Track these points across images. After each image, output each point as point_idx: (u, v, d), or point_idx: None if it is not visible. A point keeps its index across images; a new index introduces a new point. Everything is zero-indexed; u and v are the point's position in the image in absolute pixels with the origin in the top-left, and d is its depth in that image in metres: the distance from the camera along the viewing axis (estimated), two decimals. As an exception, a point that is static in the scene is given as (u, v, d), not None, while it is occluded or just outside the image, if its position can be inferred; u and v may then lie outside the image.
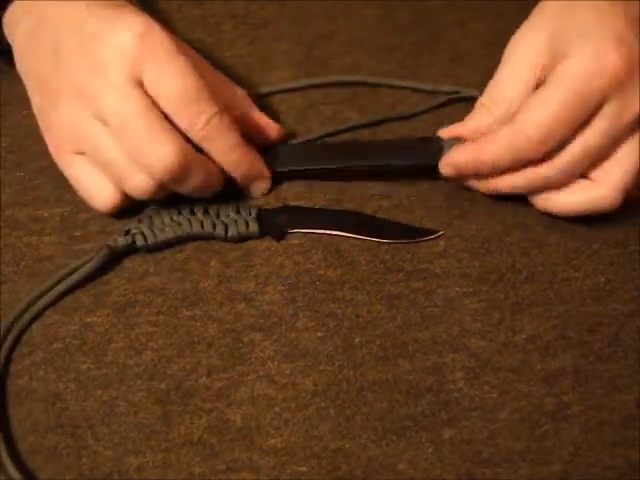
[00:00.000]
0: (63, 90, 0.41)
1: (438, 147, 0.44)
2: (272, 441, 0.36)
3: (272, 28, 0.54)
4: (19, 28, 0.44)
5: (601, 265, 0.42)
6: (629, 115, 0.39)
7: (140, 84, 0.39)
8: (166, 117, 0.40)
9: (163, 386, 0.38)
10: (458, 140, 0.43)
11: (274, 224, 0.43)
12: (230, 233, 0.42)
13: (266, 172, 0.44)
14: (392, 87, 0.50)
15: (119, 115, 0.39)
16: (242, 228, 0.42)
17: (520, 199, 0.44)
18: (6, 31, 0.45)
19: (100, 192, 0.42)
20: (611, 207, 0.41)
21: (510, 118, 0.41)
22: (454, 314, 0.40)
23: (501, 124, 0.41)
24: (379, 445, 0.36)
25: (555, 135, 0.39)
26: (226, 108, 0.42)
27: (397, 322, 0.40)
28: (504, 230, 0.43)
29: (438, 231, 0.43)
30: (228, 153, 0.42)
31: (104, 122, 0.40)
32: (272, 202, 0.45)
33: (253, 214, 0.43)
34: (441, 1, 0.55)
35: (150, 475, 0.35)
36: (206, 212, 0.43)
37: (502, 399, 0.37)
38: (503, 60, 0.43)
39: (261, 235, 0.43)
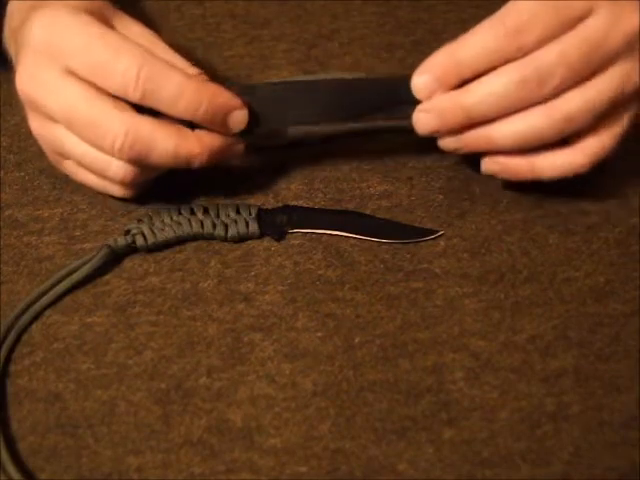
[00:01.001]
0: (24, 102, 0.41)
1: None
2: (272, 441, 0.36)
3: (272, 28, 0.54)
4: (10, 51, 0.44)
5: (601, 265, 0.42)
6: (616, 31, 0.38)
7: (72, 73, 0.39)
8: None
9: (163, 386, 0.38)
10: None
11: (274, 224, 0.43)
12: (230, 233, 0.42)
13: (235, 101, 0.40)
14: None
15: (62, 112, 0.39)
16: (242, 228, 0.42)
17: (520, 199, 0.44)
18: (7, 48, 0.45)
19: (106, 188, 0.43)
20: (579, 173, 0.41)
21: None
22: (454, 314, 0.40)
23: None
24: (379, 445, 0.36)
25: (535, 28, 0.37)
26: None
27: (397, 322, 0.40)
28: (504, 230, 0.43)
29: (438, 231, 0.43)
30: (177, 99, 0.38)
31: (58, 123, 0.40)
32: (272, 202, 0.45)
33: (253, 214, 0.43)
34: (442, 0, 0.55)
35: (150, 475, 0.35)
36: (206, 212, 0.43)
37: (502, 399, 0.37)
38: None
39: (261, 235, 0.43)
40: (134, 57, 0.38)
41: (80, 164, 0.42)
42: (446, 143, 0.42)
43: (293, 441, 0.36)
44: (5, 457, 0.35)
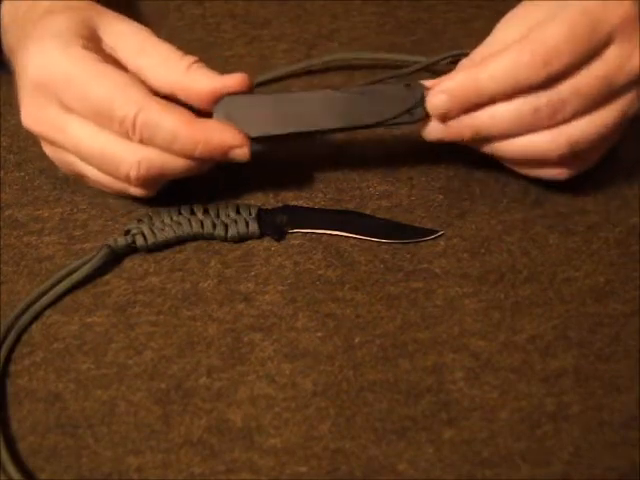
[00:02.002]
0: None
1: (419, 96, 0.40)
2: (272, 441, 0.36)
3: (272, 28, 0.54)
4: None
5: (601, 265, 0.42)
6: (631, 64, 0.39)
7: (71, 109, 0.39)
8: None
9: (163, 386, 0.38)
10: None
11: (274, 224, 0.43)
12: (230, 233, 0.42)
13: (236, 139, 0.40)
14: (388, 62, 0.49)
15: (71, 147, 0.40)
16: (242, 228, 0.42)
17: (520, 199, 0.44)
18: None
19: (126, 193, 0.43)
20: (557, 165, 0.41)
21: None
22: (454, 314, 0.40)
23: None
24: (379, 445, 0.36)
25: (562, 58, 0.38)
26: (170, 94, 0.40)
27: (397, 322, 0.40)
28: (504, 230, 0.43)
29: (438, 231, 0.43)
30: (173, 142, 0.39)
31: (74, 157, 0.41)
32: (272, 202, 0.45)
33: (253, 214, 0.43)
34: (442, 0, 0.55)
35: (150, 475, 0.35)
36: (206, 212, 0.43)
37: (502, 399, 0.37)
38: (497, 27, 0.41)
39: (261, 235, 0.43)
40: (129, 105, 0.38)
41: (99, 185, 0.43)
42: (431, 133, 0.41)
43: (293, 441, 0.36)
44: (5, 457, 0.35)
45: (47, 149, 0.42)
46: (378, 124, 0.41)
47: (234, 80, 0.40)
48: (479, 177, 0.45)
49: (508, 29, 0.40)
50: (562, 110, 0.39)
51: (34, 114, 0.40)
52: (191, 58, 0.41)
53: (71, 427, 0.37)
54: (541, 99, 0.39)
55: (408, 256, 0.42)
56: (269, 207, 0.44)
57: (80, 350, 0.39)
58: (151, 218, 0.42)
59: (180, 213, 0.43)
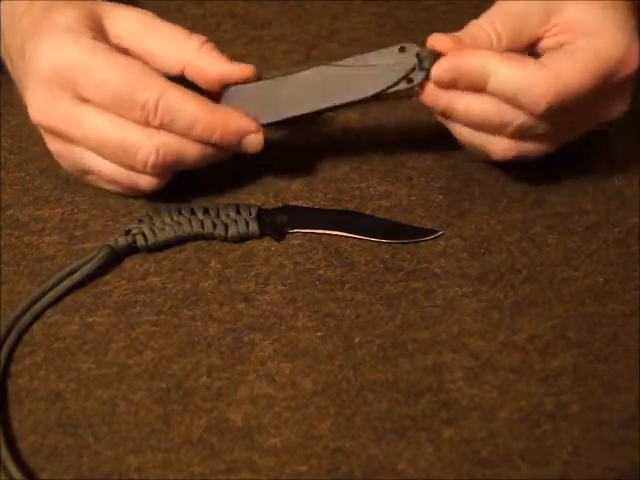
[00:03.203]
0: (40, 129, 0.42)
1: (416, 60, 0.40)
2: (272, 440, 0.36)
3: (272, 28, 0.54)
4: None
5: (600, 265, 0.42)
6: (607, 117, 0.41)
7: (86, 100, 0.39)
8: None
9: (163, 386, 0.38)
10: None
11: (274, 224, 0.43)
12: (230, 233, 0.42)
13: (251, 125, 0.41)
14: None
15: (87, 140, 0.40)
16: (242, 228, 0.42)
17: (520, 199, 0.45)
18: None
19: (134, 189, 0.43)
20: (493, 160, 0.42)
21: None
22: (454, 314, 0.40)
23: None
24: (379, 445, 0.36)
25: (564, 102, 0.38)
26: (179, 73, 0.41)
27: (397, 322, 0.40)
28: (504, 230, 0.43)
29: (438, 231, 0.43)
30: (192, 126, 0.39)
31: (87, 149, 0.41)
32: (272, 202, 0.45)
33: (253, 214, 0.43)
34: (442, 0, 0.55)
35: (150, 474, 0.35)
36: (206, 212, 0.43)
37: (502, 399, 0.37)
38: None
39: (261, 235, 0.43)
40: (150, 90, 0.39)
41: (108, 180, 0.43)
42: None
43: (293, 440, 0.36)
44: (6, 456, 0.35)
45: (53, 145, 0.42)
46: (378, 95, 0.40)
47: (243, 71, 0.41)
48: (479, 177, 0.45)
49: (531, 7, 0.40)
50: (528, 132, 0.40)
51: (46, 108, 0.40)
52: (200, 37, 0.42)
53: (72, 427, 0.37)
54: (516, 119, 0.39)
55: (408, 256, 0.42)
56: (269, 207, 0.44)
57: (81, 350, 0.39)
58: (151, 218, 0.43)
59: (180, 213, 0.43)
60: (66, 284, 0.41)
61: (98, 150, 0.40)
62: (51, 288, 0.41)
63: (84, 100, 0.39)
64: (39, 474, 0.35)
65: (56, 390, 0.38)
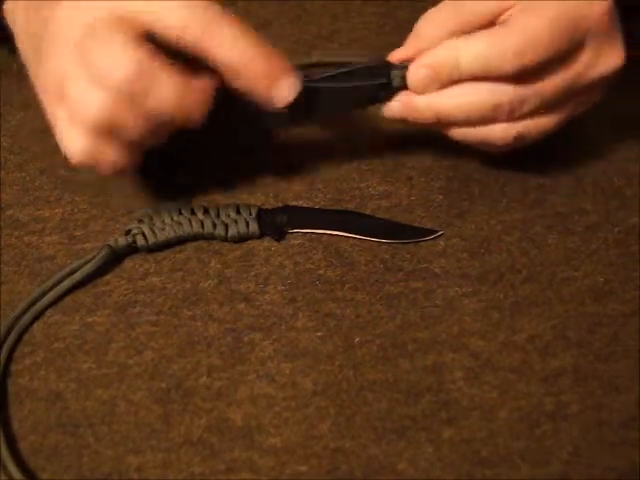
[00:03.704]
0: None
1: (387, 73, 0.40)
2: (272, 440, 0.36)
3: (272, 28, 0.54)
4: (17, 17, 0.42)
5: (600, 265, 0.42)
6: (594, 72, 0.39)
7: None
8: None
9: (163, 385, 0.38)
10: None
11: (274, 224, 0.43)
12: (230, 233, 0.42)
13: (289, 65, 0.38)
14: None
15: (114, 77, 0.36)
16: (242, 228, 0.42)
17: (520, 199, 0.45)
18: (8, 18, 0.44)
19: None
20: (499, 149, 0.42)
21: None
22: (454, 314, 0.40)
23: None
24: (379, 445, 0.36)
25: (538, 52, 0.38)
26: None
27: (397, 322, 0.40)
28: (504, 230, 0.43)
29: (438, 231, 0.43)
30: (235, 43, 0.36)
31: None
32: (272, 202, 0.45)
33: (253, 214, 0.43)
34: (441, 1, 0.55)
35: (150, 474, 0.35)
36: (206, 212, 0.43)
37: (502, 399, 0.37)
38: None
39: (261, 235, 0.43)
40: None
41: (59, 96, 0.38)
42: (393, 111, 0.41)
43: (293, 440, 0.36)
44: (6, 456, 0.35)
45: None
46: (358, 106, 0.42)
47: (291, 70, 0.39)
48: (478, 177, 0.45)
49: None
50: (521, 109, 0.40)
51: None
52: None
53: (72, 426, 0.37)
54: (505, 95, 0.39)
55: (408, 256, 0.42)
56: (269, 207, 0.44)
57: (81, 350, 0.39)
58: (151, 218, 0.43)
59: (180, 213, 0.43)
60: (66, 284, 0.41)
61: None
62: (51, 288, 0.41)
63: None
64: (39, 474, 0.35)
65: (56, 390, 0.38)
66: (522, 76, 0.39)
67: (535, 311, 0.40)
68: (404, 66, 0.40)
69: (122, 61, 0.35)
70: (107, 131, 0.37)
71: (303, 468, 0.35)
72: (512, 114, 0.40)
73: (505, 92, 0.39)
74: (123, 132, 0.37)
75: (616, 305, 0.40)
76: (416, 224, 0.44)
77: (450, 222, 0.44)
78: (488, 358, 0.38)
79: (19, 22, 0.42)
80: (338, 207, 0.44)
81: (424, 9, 0.55)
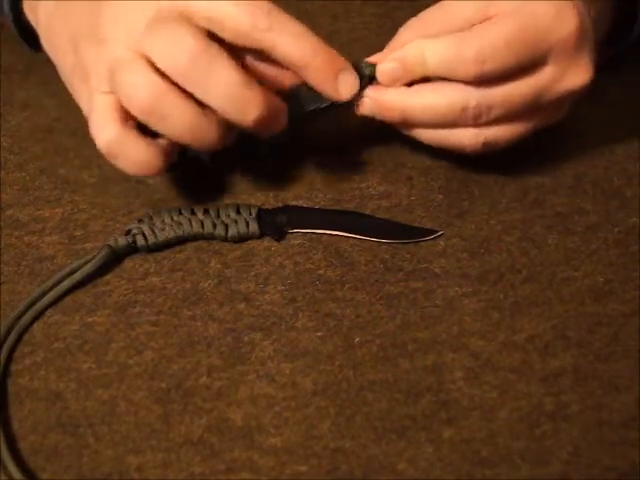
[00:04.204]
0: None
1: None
2: (272, 440, 0.36)
3: (272, 28, 0.54)
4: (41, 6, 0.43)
5: (600, 265, 0.42)
6: (560, 87, 0.40)
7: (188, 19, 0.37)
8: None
9: (163, 385, 0.38)
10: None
11: (274, 224, 0.43)
12: (230, 233, 0.42)
13: (347, 62, 0.40)
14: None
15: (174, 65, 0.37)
16: (242, 228, 0.42)
17: (519, 199, 0.45)
18: (29, 15, 0.45)
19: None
20: (470, 153, 0.42)
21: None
22: (454, 314, 0.40)
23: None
24: (379, 445, 0.36)
25: (496, 62, 0.38)
26: None
27: (397, 322, 0.40)
28: (503, 230, 0.43)
29: (438, 231, 0.43)
30: (300, 40, 0.38)
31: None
32: (272, 202, 0.45)
33: (253, 214, 0.43)
34: (440, 1, 0.55)
35: (150, 474, 0.35)
36: (206, 212, 0.43)
37: (501, 399, 0.37)
38: None
39: (261, 235, 0.43)
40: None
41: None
42: (364, 108, 0.42)
43: (293, 440, 0.36)
44: (6, 456, 0.35)
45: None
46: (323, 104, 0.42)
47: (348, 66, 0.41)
48: (478, 177, 0.45)
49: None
50: (487, 114, 0.40)
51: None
52: None
53: (72, 426, 0.37)
54: (472, 99, 0.40)
55: (408, 256, 0.42)
56: (269, 207, 0.44)
57: (81, 350, 0.39)
58: (151, 218, 0.43)
59: (180, 213, 0.43)
60: (66, 284, 0.41)
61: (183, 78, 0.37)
62: (51, 288, 0.41)
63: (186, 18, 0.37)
64: (39, 474, 0.35)
65: (56, 390, 0.38)
66: (487, 81, 0.39)
67: (535, 311, 0.40)
68: (374, 63, 0.42)
69: (182, 48, 0.36)
70: (154, 119, 0.38)
71: (303, 468, 0.35)
72: (478, 119, 0.40)
73: (471, 96, 0.40)
74: (168, 125, 0.38)
75: (616, 305, 0.40)
76: (416, 224, 0.44)
77: (450, 222, 0.44)
78: (488, 358, 0.38)
79: (46, 15, 0.43)
80: (338, 207, 0.44)
81: (424, 9, 0.55)
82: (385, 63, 0.41)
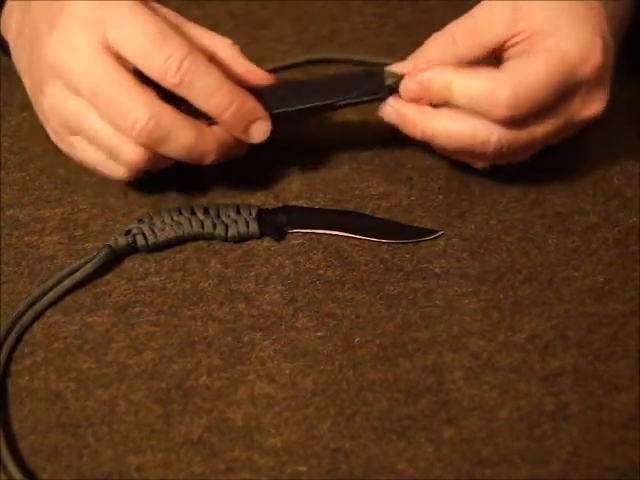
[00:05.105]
0: (43, 73, 0.40)
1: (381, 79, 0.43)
2: (272, 440, 0.36)
3: (272, 28, 0.54)
4: (11, 25, 0.44)
5: (600, 265, 0.42)
6: (579, 117, 0.40)
7: (107, 47, 0.39)
8: (141, 77, 0.39)
9: (163, 385, 0.38)
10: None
11: (274, 224, 0.43)
12: (230, 233, 0.42)
13: (261, 111, 0.41)
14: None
15: (88, 84, 0.39)
16: (242, 228, 0.42)
17: (519, 199, 0.45)
18: (2, 31, 0.45)
19: (109, 168, 0.42)
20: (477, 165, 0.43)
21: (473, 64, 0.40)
22: (453, 314, 0.40)
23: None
24: (379, 445, 0.36)
25: (528, 106, 0.39)
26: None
27: (397, 322, 0.40)
28: (503, 230, 0.43)
29: (438, 231, 0.43)
30: (211, 94, 0.39)
31: (80, 95, 0.39)
32: (272, 202, 0.45)
33: (253, 214, 0.43)
34: (441, 1, 0.55)
35: (150, 474, 0.35)
36: (206, 212, 0.43)
37: (501, 399, 0.37)
38: (480, 6, 0.41)
39: (261, 235, 0.43)
40: (180, 46, 0.39)
41: (90, 141, 0.41)
42: (389, 115, 0.43)
43: (293, 440, 0.36)
44: (6, 456, 0.35)
45: (52, 90, 0.40)
46: (344, 102, 0.43)
47: (266, 76, 0.43)
48: (478, 177, 0.45)
49: (492, 16, 0.41)
50: (508, 149, 0.40)
51: (66, 41, 0.39)
52: (228, 41, 0.43)
53: (72, 426, 0.37)
54: (494, 134, 0.40)
55: (408, 256, 0.42)
56: (269, 207, 0.44)
57: (81, 350, 0.39)
58: (151, 218, 0.43)
59: (180, 213, 0.43)
60: (66, 284, 0.41)
61: (94, 98, 0.39)
62: (51, 288, 0.41)
63: (106, 47, 0.39)
64: (39, 474, 0.35)
65: (56, 390, 0.38)
66: (514, 122, 0.39)
67: (535, 311, 0.40)
68: (397, 75, 0.42)
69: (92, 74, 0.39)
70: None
71: (303, 468, 0.35)
72: (498, 152, 0.40)
73: (494, 131, 0.40)
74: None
75: (616, 305, 0.40)
76: (416, 224, 0.44)
77: (450, 222, 0.44)
78: (488, 358, 0.38)
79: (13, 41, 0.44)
80: (338, 207, 0.44)
81: (424, 9, 0.56)
82: (410, 82, 0.41)
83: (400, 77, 0.42)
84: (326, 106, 0.43)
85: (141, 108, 0.38)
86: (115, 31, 0.39)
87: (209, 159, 0.41)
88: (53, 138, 0.43)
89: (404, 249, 0.43)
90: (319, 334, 0.39)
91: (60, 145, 0.43)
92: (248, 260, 0.42)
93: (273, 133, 0.42)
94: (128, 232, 0.42)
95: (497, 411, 0.37)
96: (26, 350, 0.39)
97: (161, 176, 0.45)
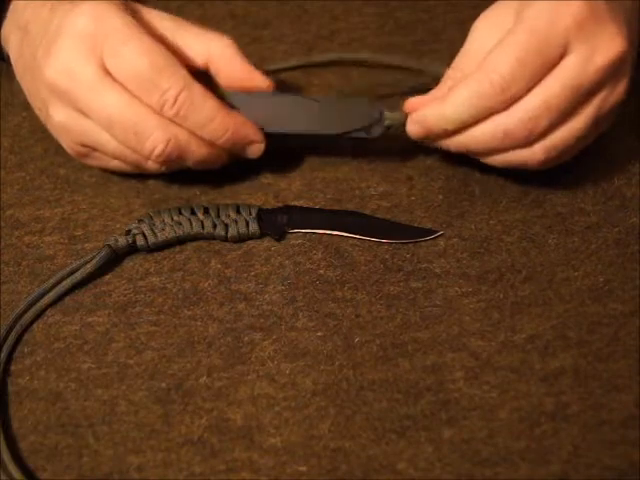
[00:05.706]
0: (47, 97, 0.41)
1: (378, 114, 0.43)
2: (272, 440, 0.36)
3: (272, 28, 0.54)
4: (11, 45, 0.44)
5: (600, 265, 0.42)
6: (593, 66, 0.39)
7: (108, 72, 0.39)
8: None
9: (163, 385, 0.38)
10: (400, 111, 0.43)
11: (274, 224, 0.43)
12: (230, 233, 0.42)
13: (257, 135, 0.43)
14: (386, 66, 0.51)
15: (101, 113, 0.40)
16: (242, 228, 0.43)
17: (519, 199, 0.45)
18: (3, 43, 0.45)
19: (134, 171, 0.44)
20: (537, 168, 0.42)
21: None
22: (453, 314, 0.40)
23: None
24: (379, 445, 0.36)
25: (519, 81, 0.38)
26: (204, 65, 0.43)
27: (397, 322, 0.40)
28: (503, 230, 0.43)
29: (438, 231, 0.43)
30: (206, 124, 0.41)
31: (90, 118, 0.40)
32: (272, 202, 0.45)
33: (253, 214, 0.43)
34: (441, 0, 0.55)
35: (150, 474, 0.35)
36: (206, 212, 0.43)
37: (501, 399, 0.37)
38: (472, 32, 0.42)
39: (261, 235, 0.43)
40: (176, 80, 0.40)
41: (112, 155, 0.42)
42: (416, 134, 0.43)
43: (293, 440, 0.36)
44: (6, 456, 0.35)
45: (61, 113, 0.41)
46: (339, 135, 0.44)
47: (265, 81, 0.44)
48: (478, 177, 0.45)
49: (484, 35, 0.41)
50: (536, 127, 0.39)
51: (69, 69, 0.40)
52: (229, 40, 0.44)
53: (72, 426, 0.37)
54: (511, 119, 0.39)
55: (408, 256, 0.42)
56: (269, 207, 0.44)
57: (81, 350, 0.39)
58: (151, 218, 0.43)
59: (180, 213, 0.43)
60: (66, 284, 0.41)
61: (109, 127, 0.40)
62: (51, 288, 0.41)
63: (108, 73, 0.39)
64: (39, 474, 0.35)
65: (56, 390, 0.38)
66: (515, 99, 0.39)
67: (535, 311, 0.40)
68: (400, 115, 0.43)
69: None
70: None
71: (303, 468, 0.35)
72: (530, 134, 0.40)
73: (510, 116, 0.39)
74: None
75: (616, 305, 0.40)
76: (416, 224, 0.44)
77: (450, 222, 0.44)
78: (488, 358, 0.38)
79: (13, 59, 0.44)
80: (338, 207, 0.44)
81: (424, 9, 0.56)
82: (411, 125, 0.42)
83: (399, 119, 0.43)
84: (320, 136, 0.44)
85: (157, 132, 0.40)
86: (112, 59, 0.39)
87: (221, 164, 0.43)
88: (70, 152, 0.44)
89: (404, 249, 0.43)
90: (319, 334, 0.39)
91: (78, 159, 0.44)
92: (248, 260, 0.42)
93: (268, 145, 0.44)
94: (128, 232, 0.42)
95: (497, 411, 0.37)
96: (26, 350, 0.39)
97: (161, 176, 0.45)
